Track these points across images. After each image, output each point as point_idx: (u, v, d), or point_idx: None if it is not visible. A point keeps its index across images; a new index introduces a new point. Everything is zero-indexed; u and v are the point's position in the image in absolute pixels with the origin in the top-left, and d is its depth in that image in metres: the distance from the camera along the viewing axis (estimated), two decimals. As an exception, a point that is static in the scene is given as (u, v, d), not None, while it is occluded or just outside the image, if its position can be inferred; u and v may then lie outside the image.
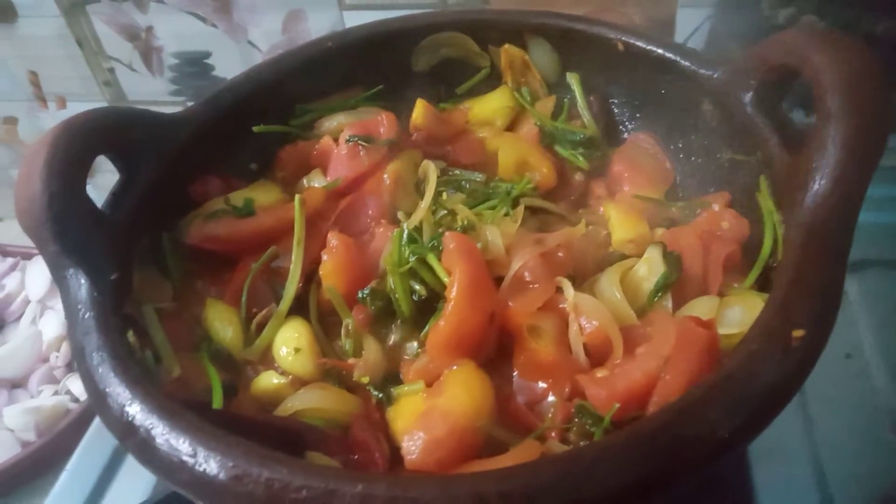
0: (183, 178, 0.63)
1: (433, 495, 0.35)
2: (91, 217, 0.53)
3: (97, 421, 0.73)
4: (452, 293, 0.49)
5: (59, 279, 0.51)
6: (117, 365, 0.45)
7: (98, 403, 0.44)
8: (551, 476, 0.36)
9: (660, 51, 0.64)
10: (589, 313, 0.49)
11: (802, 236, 0.45)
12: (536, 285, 0.51)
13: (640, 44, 0.65)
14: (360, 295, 0.56)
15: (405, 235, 0.55)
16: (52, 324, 1.15)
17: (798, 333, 0.40)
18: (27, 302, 1.21)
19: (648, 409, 0.44)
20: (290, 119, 0.72)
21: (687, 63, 0.62)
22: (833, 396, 0.64)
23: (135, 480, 0.67)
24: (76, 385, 1.09)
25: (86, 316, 0.48)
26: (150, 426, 0.41)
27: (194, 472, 0.39)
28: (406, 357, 0.54)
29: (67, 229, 0.50)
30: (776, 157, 0.54)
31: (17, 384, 1.11)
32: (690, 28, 0.97)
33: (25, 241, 1.28)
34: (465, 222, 0.57)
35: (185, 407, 0.43)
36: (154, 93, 1.20)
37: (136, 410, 0.42)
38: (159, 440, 0.41)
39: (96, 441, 0.71)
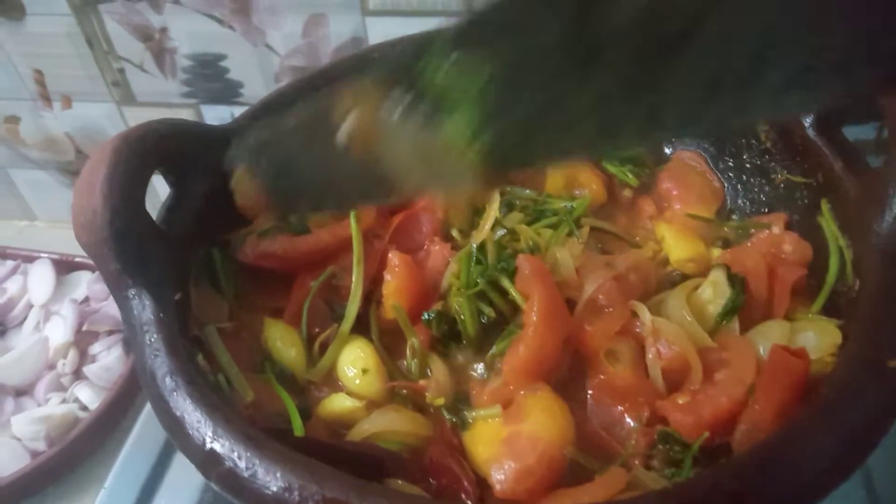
0: (230, 193, 0.62)
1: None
2: (151, 234, 0.51)
3: (134, 435, 0.71)
4: (532, 318, 0.48)
5: (120, 299, 0.50)
6: (193, 391, 0.44)
7: (174, 431, 0.43)
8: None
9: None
10: (668, 338, 0.49)
11: (884, 264, 0.45)
12: (611, 309, 0.51)
13: (692, 62, 0.65)
14: (424, 317, 0.55)
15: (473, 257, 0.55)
16: (59, 330, 1.12)
17: (894, 363, 0.40)
18: (30, 306, 1.18)
19: (735, 437, 0.44)
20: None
21: (742, 83, 0.62)
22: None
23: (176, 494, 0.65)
24: (84, 393, 1.06)
25: (153, 339, 0.47)
26: (238, 457, 0.40)
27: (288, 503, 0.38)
28: (473, 378, 0.53)
29: (129, 246, 0.49)
30: (841, 182, 0.54)
31: (22, 392, 1.08)
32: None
33: (25, 244, 1.26)
34: (531, 243, 0.56)
35: (268, 435, 0.42)
36: (164, 94, 1.17)
37: (220, 440, 0.41)
38: (248, 472, 0.40)
39: (134, 457, 0.69)
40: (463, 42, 0.33)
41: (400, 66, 0.36)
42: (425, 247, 0.60)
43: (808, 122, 0.57)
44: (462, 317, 0.53)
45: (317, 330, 0.56)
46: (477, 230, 0.59)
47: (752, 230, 0.61)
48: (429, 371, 0.54)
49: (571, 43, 0.30)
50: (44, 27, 1.11)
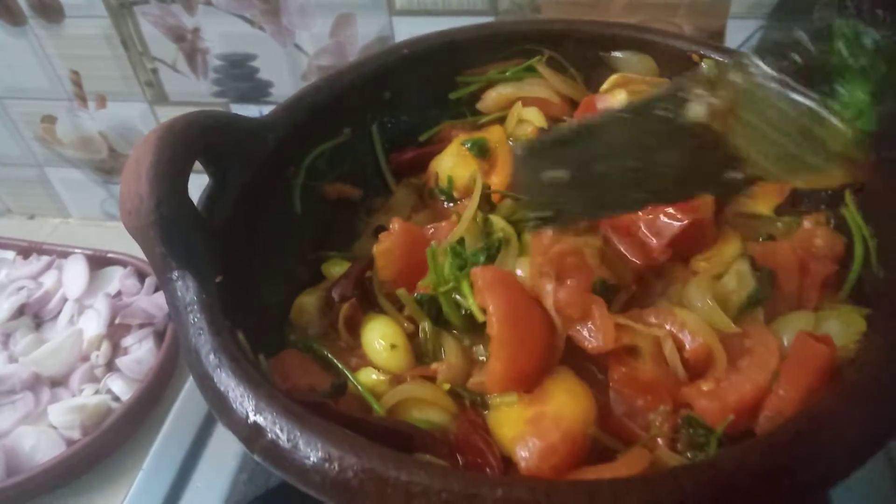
0: (268, 183, 0.64)
1: (577, 502, 0.36)
2: (193, 220, 0.54)
3: (168, 424, 0.73)
4: (493, 331, 0.49)
5: (164, 282, 0.52)
6: (237, 367, 0.45)
7: (218, 406, 0.45)
8: (692, 484, 0.36)
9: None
10: (691, 329, 0.50)
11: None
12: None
13: (717, 57, 0.67)
14: (416, 297, 0.57)
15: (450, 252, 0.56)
16: (93, 322, 1.15)
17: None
18: (64, 300, 1.22)
19: (759, 423, 0.45)
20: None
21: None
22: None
23: (210, 484, 0.67)
24: (116, 384, 1.09)
25: (196, 318, 0.49)
26: (280, 429, 0.42)
27: (329, 475, 0.40)
28: (481, 359, 0.55)
29: (173, 231, 0.51)
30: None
31: (57, 382, 1.11)
32: (740, 39, 0.97)
33: (60, 239, 1.30)
34: (502, 235, 0.57)
35: (308, 409, 0.43)
36: (196, 94, 1.20)
37: (262, 414, 0.43)
38: (290, 444, 0.41)
39: (168, 446, 0.71)
40: None
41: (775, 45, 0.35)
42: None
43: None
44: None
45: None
46: (457, 225, 0.60)
47: (795, 226, 0.60)
48: (443, 352, 0.56)
49: None
50: (81, 29, 1.14)
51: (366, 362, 0.56)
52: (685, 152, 0.39)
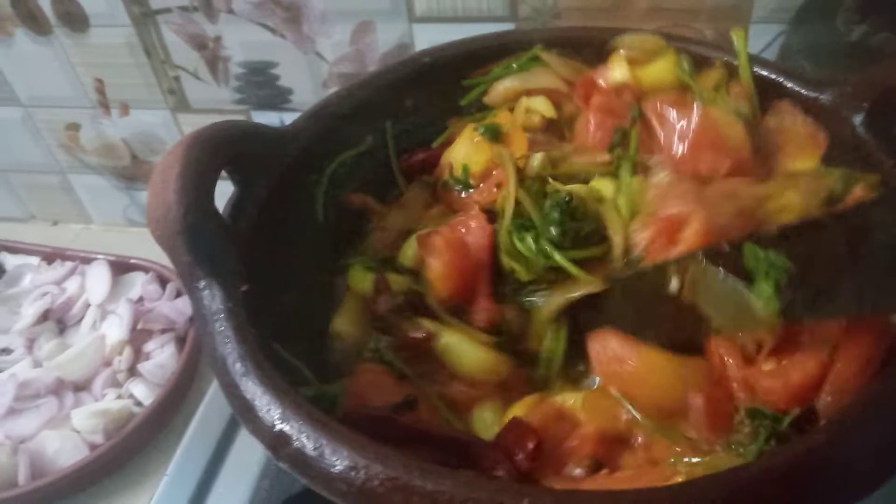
0: (292, 192, 0.65)
1: (603, 511, 0.36)
2: (220, 228, 0.54)
3: (191, 430, 0.74)
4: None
5: (190, 290, 0.52)
6: (263, 375, 0.46)
7: (244, 414, 0.45)
8: (723, 491, 0.36)
9: (763, 72, 0.65)
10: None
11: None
12: None
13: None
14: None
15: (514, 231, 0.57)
16: (115, 328, 1.16)
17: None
18: (87, 305, 1.23)
19: (819, 401, 0.45)
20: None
21: (791, 84, 0.63)
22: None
23: (232, 490, 0.68)
24: (139, 389, 1.10)
25: (223, 327, 0.49)
26: (306, 438, 0.42)
27: (354, 483, 0.40)
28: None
29: (200, 240, 0.51)
30: (891, 178, 0.54)
31: (80, 387, 1.12)
32: (762, 43, 0.97)
33: (83, 245, 1.31)
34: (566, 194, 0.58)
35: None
36: (217, 101, 1.21)
37: (288, 422, 0.43)
38: (316, 452, 0.42)
39: (191, 451, 0.72)
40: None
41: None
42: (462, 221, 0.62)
43: (858, 119, 0.57)
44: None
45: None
46: (504, 200, 0.60)
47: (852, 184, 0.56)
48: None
49: None
50: (105, 38, 1.16)
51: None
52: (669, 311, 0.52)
